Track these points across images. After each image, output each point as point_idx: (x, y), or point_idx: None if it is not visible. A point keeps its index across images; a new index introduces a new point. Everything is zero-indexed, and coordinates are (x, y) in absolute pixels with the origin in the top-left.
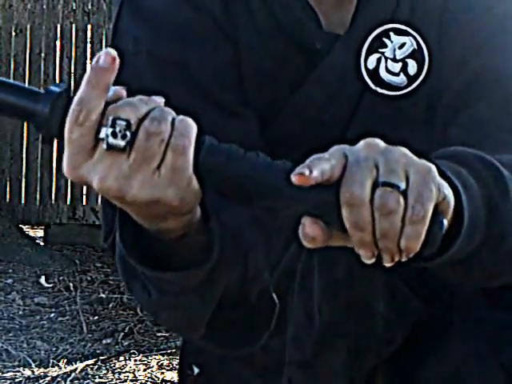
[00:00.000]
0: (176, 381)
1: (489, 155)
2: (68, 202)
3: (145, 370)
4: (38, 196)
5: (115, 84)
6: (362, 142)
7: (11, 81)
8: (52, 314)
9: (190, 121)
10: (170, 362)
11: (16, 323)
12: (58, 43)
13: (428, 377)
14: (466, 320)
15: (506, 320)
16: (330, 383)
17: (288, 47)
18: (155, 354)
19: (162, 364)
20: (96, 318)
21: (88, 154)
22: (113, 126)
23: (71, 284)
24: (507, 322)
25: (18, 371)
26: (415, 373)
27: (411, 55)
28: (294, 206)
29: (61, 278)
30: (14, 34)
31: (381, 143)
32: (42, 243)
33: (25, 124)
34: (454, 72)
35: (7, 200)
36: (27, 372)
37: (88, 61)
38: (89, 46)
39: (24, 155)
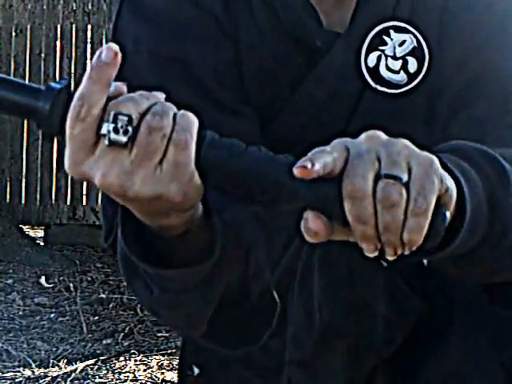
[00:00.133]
0: (176, 381)
1: (488, 148)
2: (68, 203)
3: (145, 371)
4: (38, 196)
5: (116, 81)
6: (363, 135)
7: (11, 78)
8: (52, 315)
9: (191, 115)
10: (170, 363)
11: (16, 323)
12: (58, 43)
13: (428, 376)
14: (466, 319)
15: (506, 318)
16: (329, 383)
17: (288, 45)
18: (155, 355)
19: (162, 364)
20: (96, 318)
21: (89, 149)
22: (114, 121)
23: (71, 284)
24: (507, 321)
25: (18, 371)
26: (415, 372)
27: (411, 53)
28: (296, 200)
29: (61, 278)
30: (14, 34)
31: (382, 135)
32: (42, 243)
33: (25, 124)
34: (454, 71)
35: (7, 200)
36: (27, 372)
37: (88, 61)
38: (89, 46)
39: (24, 155)
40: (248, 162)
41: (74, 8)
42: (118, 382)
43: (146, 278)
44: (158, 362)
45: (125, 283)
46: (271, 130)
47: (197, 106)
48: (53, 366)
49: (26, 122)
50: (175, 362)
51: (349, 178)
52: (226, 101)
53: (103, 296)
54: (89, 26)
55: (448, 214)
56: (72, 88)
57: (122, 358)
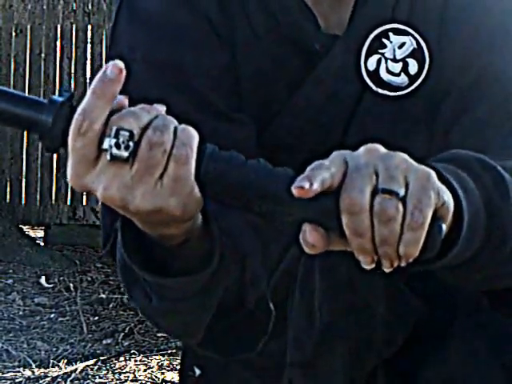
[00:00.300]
0: (176, 381)
1: (490, 158)
2: (68, 203)
3: (145, 371)
4: (38, 196)
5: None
6: (362, 148)
7: (14, 91)
8: (52, 315)
9: (191, 130)
10: (171, 363)
11: (16, 323)
12: (58, 43)
13: (428, 377)
14: (467, 321)
15: (506, 320)
16: None
17: (285, 48)
18: (155, 355)
19: (162, 364)
20: (96, 318)
21: (91, 163)
22: (116, 136)
23: (71, 284)
24: (508, 322)
25: (19, 371)
26: (415, 373)
27: (411, 54)
28: (295, 214)
29: (61, 278)
30: (14, 34)
31: (381, 149)
32: (42, 243)
33: None
34: (456, 73)
35: (7, 200)
36: (27, 372)
37: (88, 61)
38: (89, 46)
39: (24, 156)
40: (247, 175)
41: (74, 8)
42: (118, 382)
43: (145, 286)
44: (158, 362)
45: None
46: (269, 133)
47: (192, 113)
48: (53, 366)
49: None
50: (175, 362)
51: (346, 192)
52: (222, 107)
53: (103, 296)
54: (89, 26)
55: (444, 227)
56: (74, 95)
57: (122, 358)
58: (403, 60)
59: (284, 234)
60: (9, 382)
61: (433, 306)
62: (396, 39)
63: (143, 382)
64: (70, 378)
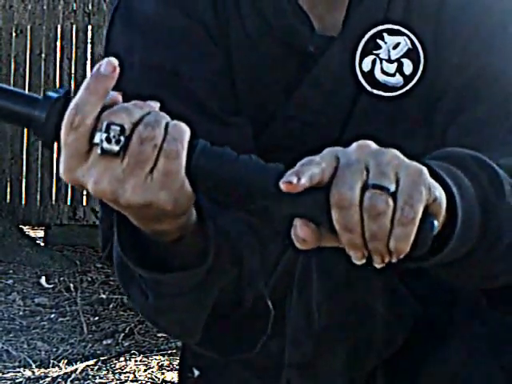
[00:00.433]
0: (176, 382)
1: (488, 155)
2: (68, 203)
3: (145, 371)
4: (38, 197)
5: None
6: (354, 144)
7: (10, 87)
8: (52, 315)
9: (183, 125)
10: (171, 363)
11: (16, 324)
12: (58, 44)
13: (428, 377)
14: (467, 321)
15: (506, 321)
16: None
17: (280, 51)
18: (156, 355)
19: (162, 364)
20: (96, 318)
21: (83, 157)
22: (107, 131)
23: (72, 285)
24: (508, 323)
25: (19, 372)
26: (415, 373)
27: (406, 55)
28: (286, 209)
29: (61, 278)
30: (14, 34)
31: (373, 145)
32: (42, 244)
33: None
34: (453, 73)
35: (8, 200)
36: (27, 373)
37: (88, 61)
38: (89, 46)
39: (24, 156)
40: (238, 170)
41: (75, 8)
42: (118, 382)
43: (140, 282)
44: (159, 363)
45: None
46: (266, 136)
47: (187, 117)
48: (53, 367)
49: None
50: (175, 363)
51: (336, 188)
52: (217, 111)
53: (103, 296)
54: (89, 27)
55: (436, 223)
56: (72, 93)
57: (122, 359)
58: (398, 60)
59: (281, 234)
60: (9, 382)
61: (431, 306)
62: (391, 40)
63: (143, 382)
64: (71, 379)
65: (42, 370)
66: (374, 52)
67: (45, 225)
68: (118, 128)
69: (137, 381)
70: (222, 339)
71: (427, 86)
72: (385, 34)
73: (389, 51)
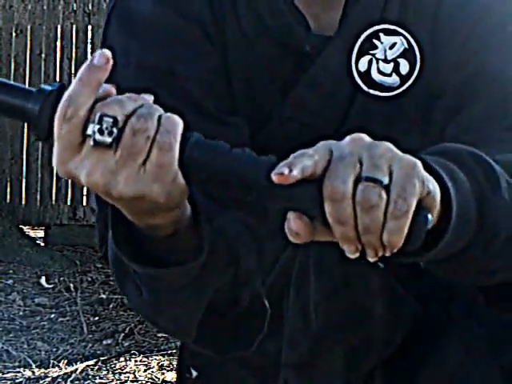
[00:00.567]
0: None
1: (485, 152)
2: (68, 203)
3: (145, 371)
4: (38, 197)
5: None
6: (348, 137)
7: (4, 80)
8: (52, 315)
9: (176, 117)
10: (171, 363)
11: (16, 324)
12: (58, 44)
13: (427, 377)
14: (466, 321)
15: (505, 320)
16: None
17: (276, 51)
18: (156, 355)
19: (162, 365)
20: (96, 318)
21: (76, 149)
22: (100, 122)
23: (72, 285)
24: (507, 323)
25: (19, 372)
26: (414, 373)
27: (402, 55)
28: (279, 202)
29: (61, 278)
30: (14, 34)
31: (366, 138)
32: (42, 244)
33: (25, 125)
34: (451, 72)
35: (8, 200)
36: (27, 373)
37: None
38: (89, 46)
39: (24, 156)
40: (231, 163)
41: (75, 8)
42: (118, 382)
43: (135, 278)
44: (159, 363)
45: None
46: (263, 136)
47: (183, 117)
48: (53, 367)
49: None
50: (175, 363)
51: (329, 180)
52: (213, 111)
53: (103, 296)
54: (89, 27)
55: (430, 217)
56: (65, 83)
57: (122, 359)
58: (394, 60)
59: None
60: (9, 382)
61: (430, 306)
62: (387, 40)
63: (143, 382)
64: (71, 379)
65: (42, 370)
66: (371, 52)
67: (45, 225)
68: (111, 120)
69: (137, 381)
70: (219, 337)
71: (424, 86)
72: (381, 34)
73: (385, 51)
